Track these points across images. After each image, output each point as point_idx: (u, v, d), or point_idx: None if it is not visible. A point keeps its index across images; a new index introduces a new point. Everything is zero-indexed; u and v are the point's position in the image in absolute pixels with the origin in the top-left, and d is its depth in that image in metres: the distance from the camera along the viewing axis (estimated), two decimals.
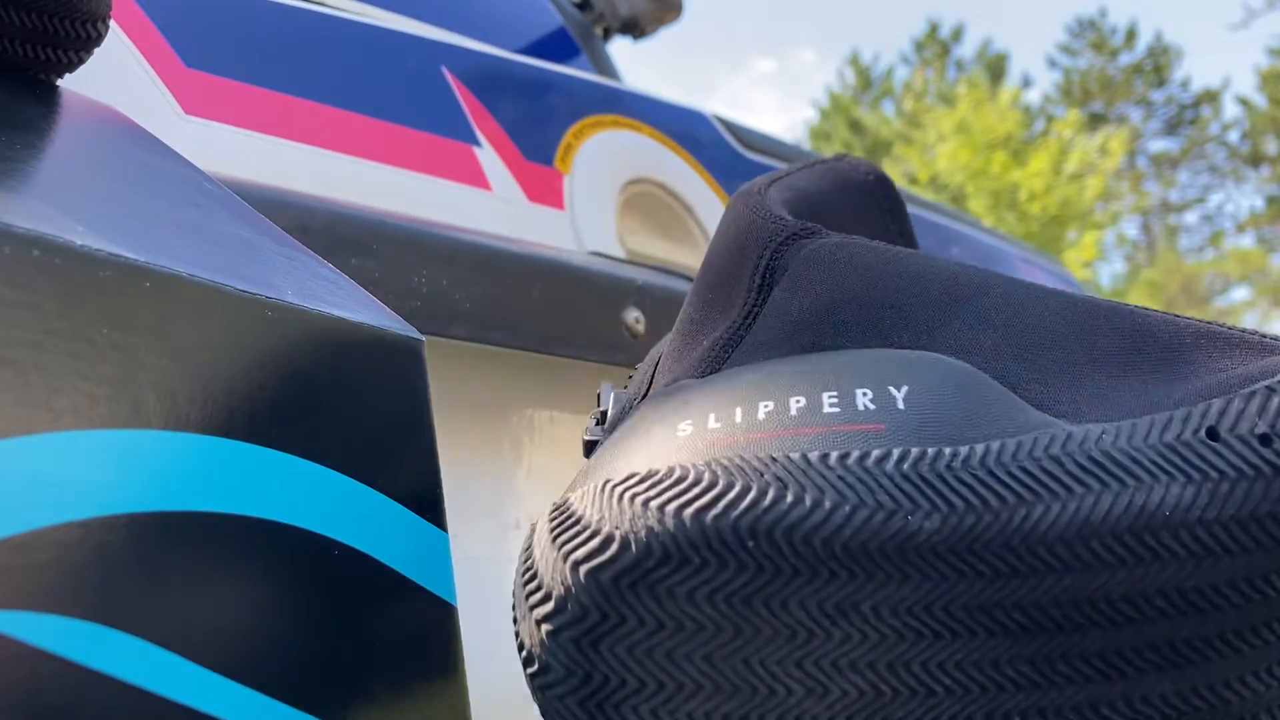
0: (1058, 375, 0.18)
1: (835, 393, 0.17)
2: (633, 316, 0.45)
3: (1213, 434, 0.15)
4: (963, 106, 7.42)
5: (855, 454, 0.15)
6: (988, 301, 0.19)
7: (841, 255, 0.21)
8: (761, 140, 0.69)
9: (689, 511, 0.15)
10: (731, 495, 0.15)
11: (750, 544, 0.14)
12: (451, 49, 0.50)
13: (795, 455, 0.15)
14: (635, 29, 0.75)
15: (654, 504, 0.15)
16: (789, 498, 0.15)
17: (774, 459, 0.15)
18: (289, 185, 0.38)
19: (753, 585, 0.15)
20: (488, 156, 0.49)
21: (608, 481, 0.15)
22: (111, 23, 0.26)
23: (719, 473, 0.15)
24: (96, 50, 0.26)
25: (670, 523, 0.15)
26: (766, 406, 0.17)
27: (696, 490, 0.15)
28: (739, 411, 0.17)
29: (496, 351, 0.41)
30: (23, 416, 0.15)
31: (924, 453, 0.15)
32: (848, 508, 0.14)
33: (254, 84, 0.40)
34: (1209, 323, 0.19)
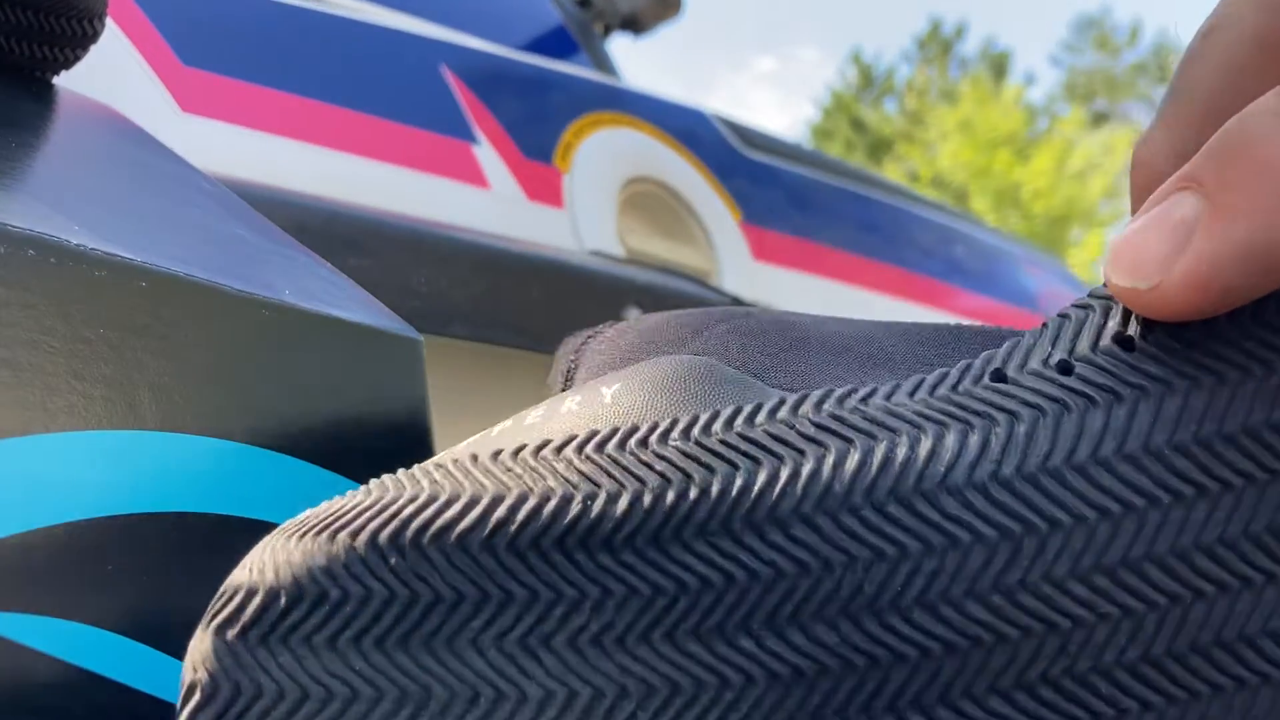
0: (820, 368, 0.15)
1: (544, 407, 0.14)
2: (633, 315, 0.45)
3: (999, 375, 0.12)
4: (966, 104, 7.41)
5: (530, 446, 0.12)
6: (750, 319, 0.17)
7: (615, 332, 0.19)
8: (762, 139, 0.68)
9: (324, 534, 0.12)
10: (372, 509, 0.12)
11: (394, 559, 0.11)
12: (450, 46, 0.50)
13: (459, 456, 0.12)
14: (635, 26, 0.75)
15: (294, 536, 0.12)
16: (442, 498, 0.12)
17: (437, 465, 0.12)
18: (287, 184, 0.38)
19: (409, 620, 0.11)
20: (486, 154, 0.49)
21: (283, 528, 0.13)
22: (108, 20, 0.26)
23: (372, 490, 0.12)
24: (93, 48, 0.26)
25: (303, 553, 0.12)
26: (477, 436, 0.14)
27: (338, 513, 0.12)
28: (462, 447, 0.14)
29: (496, 351, 0.41)
30: (19, 417, 0.15)
31: (614, 431, 0.12)
32: (509, 500, 0.11)
33: (252, 82, 0.40)
34: (1007, 329, 0.16)
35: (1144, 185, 0.15)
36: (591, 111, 0.56)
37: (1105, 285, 0.12)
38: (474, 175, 0.47)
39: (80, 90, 0.26)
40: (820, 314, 0.17)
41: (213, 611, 0.12)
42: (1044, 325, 0.12)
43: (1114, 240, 0.12)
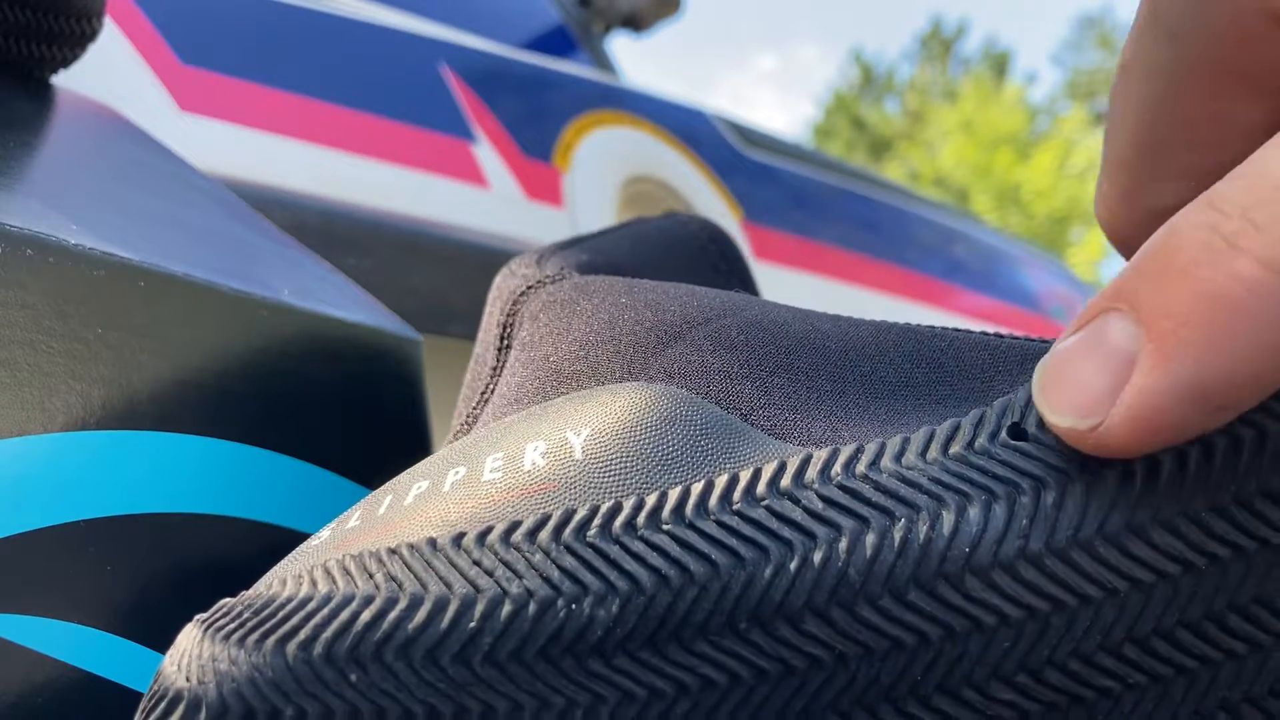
0: (815, 400, 0.13)
1: (501, 454, 0.13)
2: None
3: (1018, 432, 0.11)
4: (967, 104, 7.41)
5: (499, 529, 0.11)
6: (732, 321, 0.15)
7: (573, 295, 0.17)
8: (763, 138, 0.68)
9: (269, 643, 0.10)
10: (322, 611, 0.10)
11: (354, 676, 0.10)
12: (449, 45, 0.50)
13: (416, 541, 0.11)
14: (635, 24, 0.74)
15: (231, 639, 0.11)
16: (401, 603, 0.10)
17: (391, 552, 0.11)
18: (285, 183, 0.38)
19: None
20: (486, 153, 0.48)
21: (198, 618, 0.11)
22: (107, 19, 0.26)
23: (315, 583, 0.11)
24: (91, 46, 0.26)
25: (245, 662, 0.10)
26: (420, 488, 0.13)
27: (278, 612, 0.11)
28: (388, 500, 0.13)
29: None
30: (17, 417, 0.15)
31: (594, 511, 0.11)
32: (482, 605, 0.10)
33: (251, 80, 0.40)
34: (1046, 340, 0.14)
35: (1120, 241, 0.14)
36: (591, 110, 0.55)
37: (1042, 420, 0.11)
38: (473, 174, 0.47)
39: (78, 89, 0.26)
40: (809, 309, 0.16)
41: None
42: None
43: (1044, 364, 0.11)
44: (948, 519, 0.10)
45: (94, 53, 0.26)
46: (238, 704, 0.10)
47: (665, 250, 0.20)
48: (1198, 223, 0.10)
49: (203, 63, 0.38)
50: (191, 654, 0.11)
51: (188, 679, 0.11)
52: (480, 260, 0.40)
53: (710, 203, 0.61)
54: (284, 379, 0.19)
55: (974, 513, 0.10)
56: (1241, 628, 0.11)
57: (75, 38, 0.25)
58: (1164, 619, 0.10)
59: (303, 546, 0.13)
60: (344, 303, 0.21)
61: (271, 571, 0.13)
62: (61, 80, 0.26)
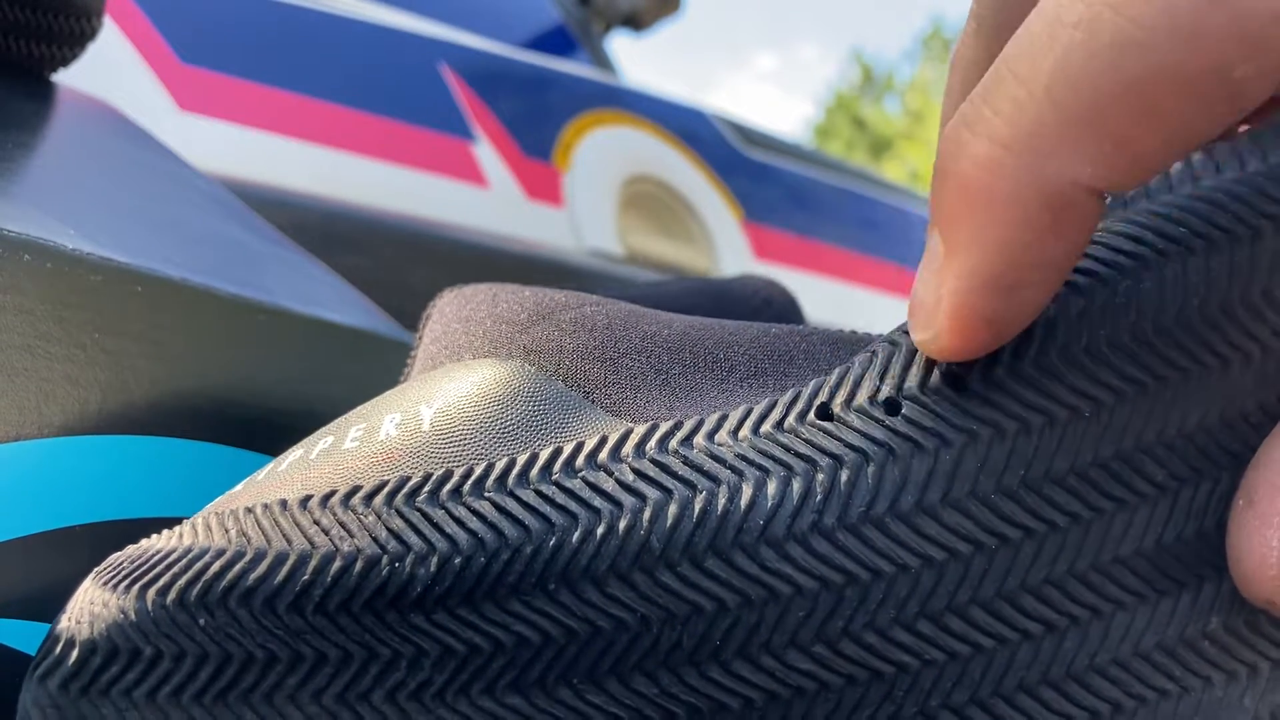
0: (659, 383, 0.14)
1: (363, 425, 0.14)
2: None
3: (824, 412, 0.11)
4: None
5: (341, 493, 0.12)
6: (601, 310, 0.16)
7: (480, 289, 0.18)
8: (763, 137, 0.68)
9: (135, 589, 0.12)
10: (181, 561, 0.12)
11: (202, 621, 0.11)
12: (449, 45, 0.50)
13: (270, 501, 0.12)
14: (635, 23, 0.74)
15: (108, 585, 0.12)
16: (246, 556, 0.11)
17: (248, 510, 0.12)
18: (285, 182, 0.38)
19: (225, 677, 0.11)
20: (486, 153, 0.48)
21: (96, 569, 0.13)
22: (106, 18, 0.26)
23: (183, 536, 0.12)
24: (91, 45, 0.26)
25: (115, 606, 0.12)
26: (294, 455, 0.14)
27: (148, 561, 0.12)
28: (269, 467, 0.14)
29: None
30: (14, 421, 0.15)
31: (426, 478, 0.12)
32: (316, 560, 0.11)
33: (250, 80, 0.40)
34: (862, 333, 0.15)
35: (956, 85, 0.14)
36: (591, 110, 0.55)
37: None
38: (473, 174, 0.47)
39: (78, 88, 0.26)
40: (704, 318, 0.16)
41: (38, 659, 0.12)
42: (873, 353, 0.12)
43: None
44: (746, 492, 0.11)
45: (94, 52, 0.26)
46: (105, 643, 0.11)
47: (716, 305, 0.20)
48: (954, 121, 0.10)
49: (202, 62, 0.38)
50: (81, 600, 0.12)
51: (69, 620, 0.12)
52: (480, 260, 0.40)
53: (710, 203, 0.61)
54: (280, 383, 0.19)
55: (772, 487, 0.11)
56: (1035, 609, 0.11)
57: (75, 37, 0.25)
58: (956, 597, 0.11)
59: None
60: (340, 307, 0.21)
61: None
62: (61, 79, 0.26)
